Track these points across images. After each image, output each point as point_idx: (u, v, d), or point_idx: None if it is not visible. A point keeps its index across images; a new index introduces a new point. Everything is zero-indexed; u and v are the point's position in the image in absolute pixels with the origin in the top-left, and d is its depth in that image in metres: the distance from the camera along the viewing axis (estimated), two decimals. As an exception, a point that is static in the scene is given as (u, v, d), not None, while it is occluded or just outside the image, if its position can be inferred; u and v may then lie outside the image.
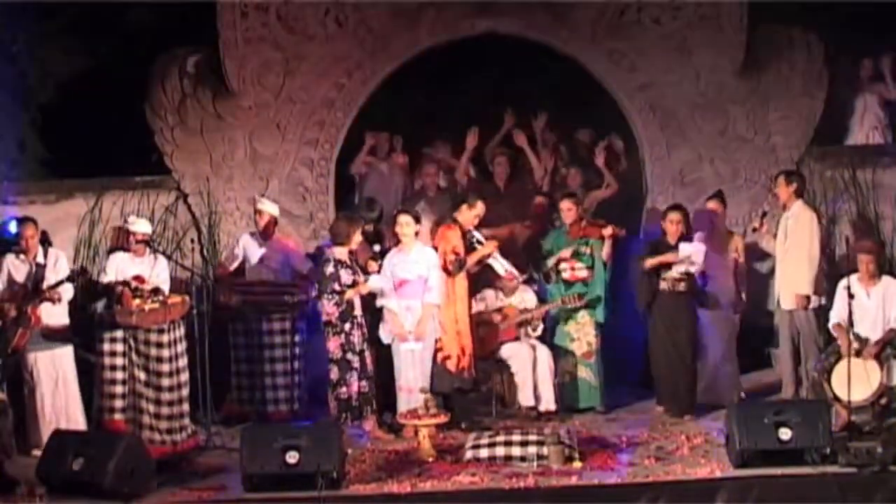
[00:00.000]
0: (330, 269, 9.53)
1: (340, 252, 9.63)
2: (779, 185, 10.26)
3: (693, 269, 9.88)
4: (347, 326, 9.53)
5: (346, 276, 9.53)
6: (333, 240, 9.77)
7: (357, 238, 9.67)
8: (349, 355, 9.53)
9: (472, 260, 9.94)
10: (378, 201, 10.72)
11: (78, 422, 9.44)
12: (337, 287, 9.49)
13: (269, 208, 10.52)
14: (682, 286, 9.89)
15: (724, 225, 10.62)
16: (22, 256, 9.44)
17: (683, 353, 9.90)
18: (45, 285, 9.26)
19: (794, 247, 10.02)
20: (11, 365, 9.27)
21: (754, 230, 10.53)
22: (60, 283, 9.24)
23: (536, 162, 11.52)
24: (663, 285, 9.91)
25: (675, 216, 10.06)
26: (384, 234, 10.30)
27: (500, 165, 11.38)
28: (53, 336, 9.40)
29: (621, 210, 11.14)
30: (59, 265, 9.45)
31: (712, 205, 10.54)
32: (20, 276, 9.40)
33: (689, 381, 9.94)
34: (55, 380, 9.41)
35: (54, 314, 9.39)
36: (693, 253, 9.86)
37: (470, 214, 9.96)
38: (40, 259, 9.43)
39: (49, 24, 11.53)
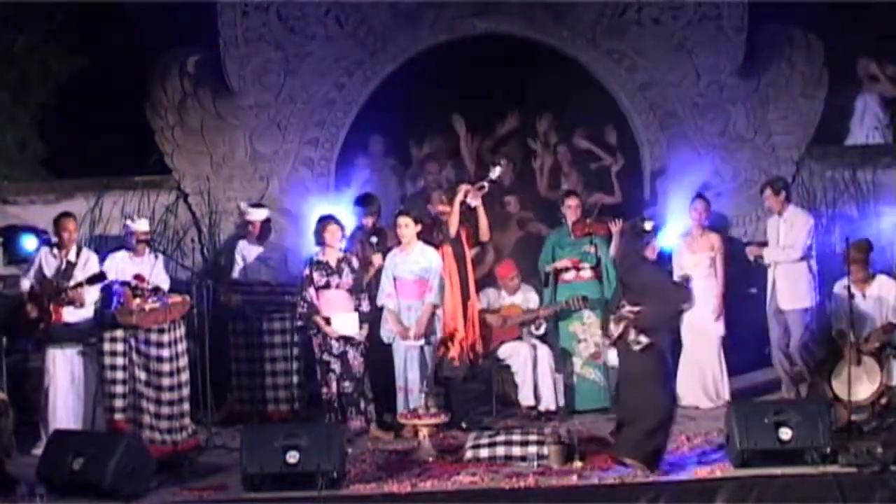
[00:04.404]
0: (306, 270, 9.59)
1: (321, 253, 9.66)
2: (767, 196, 10.17)
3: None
4: None
5: (318, 278, 9.56)
6: (315, 241, 9.80)
7: (335, 238, 9.64)
8: (325, 356, 9.56)
9: (453, 216, 9.93)
10: (375, 196, 10.71)
11: (88, 423, 9.43)
12: (311, 288, 9.53)
13: (257, 215, 10.54)
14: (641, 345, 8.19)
15: (703, 226, 10.38)
16: (55, 251, 9.43)
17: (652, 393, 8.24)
18: (70, 283, 9.24)
19: (791, 249, 9.99)
20: (12, 363, 9.27)
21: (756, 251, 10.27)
22: (80, 284, 9.19)
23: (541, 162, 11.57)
24: (620, 346, 8.33)
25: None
26: (386, 234, 10.29)
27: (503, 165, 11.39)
28: (73, 334, 9.38)
29: (622, 210, 11.12)
30: (88, 266, 9.40)
31: (697, 205, 10.37)
32: (49, 272, 9.39)
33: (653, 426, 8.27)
34: (71, 379, 9.40)
35: (77, 313, 9.36)
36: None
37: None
38: (72, 257, 9.41)
39: (49, 24, 11.53)
